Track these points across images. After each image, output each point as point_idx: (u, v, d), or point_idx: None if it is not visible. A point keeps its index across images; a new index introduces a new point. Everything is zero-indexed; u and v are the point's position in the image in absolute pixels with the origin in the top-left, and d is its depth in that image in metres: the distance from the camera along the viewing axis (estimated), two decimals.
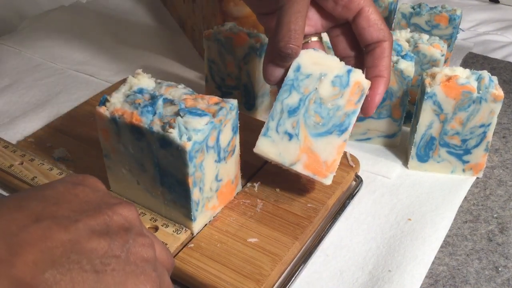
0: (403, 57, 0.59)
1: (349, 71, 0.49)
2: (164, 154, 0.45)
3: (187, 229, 0.48)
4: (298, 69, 0.48)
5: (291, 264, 0.48)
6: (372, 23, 0.49)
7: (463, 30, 0.93)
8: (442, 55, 0.62)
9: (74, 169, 0.56)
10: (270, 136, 0.49)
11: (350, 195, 0.55)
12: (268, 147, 0.49)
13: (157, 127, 0.44)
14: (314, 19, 0.51)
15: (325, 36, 0.55)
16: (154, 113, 0.45)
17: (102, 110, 0.47)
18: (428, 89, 0.55)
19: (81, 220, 0.30)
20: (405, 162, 0.61)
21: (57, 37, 0.87)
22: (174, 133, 0.43)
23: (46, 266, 0.27)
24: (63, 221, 0.30)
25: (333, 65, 0.49)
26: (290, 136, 0.49)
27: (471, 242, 0.52)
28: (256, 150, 0.49)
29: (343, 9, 0.49)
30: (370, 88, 0.50)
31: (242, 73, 0.64)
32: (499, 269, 0.50)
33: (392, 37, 0.50)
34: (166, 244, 0.47)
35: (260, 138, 0.49)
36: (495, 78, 0.56)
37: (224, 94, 0.67)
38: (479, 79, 0.55)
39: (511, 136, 0.67)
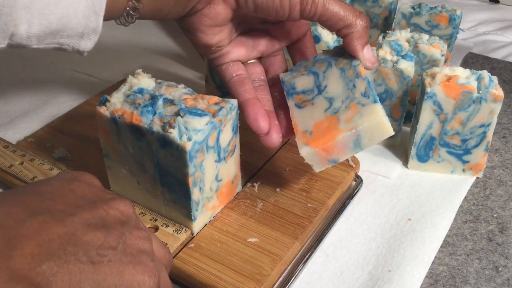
0: (403, 57, 0.59)
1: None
2: (164, 154, 0.45)
3: (187, 229, 0.48)
4: None
5: (291, 264, 0.48)
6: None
7: (463, 30, 0.93)
8: (442, 55, 0.62)
9: (74, 169, 0.56)
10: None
11: (350, 195, 0.55)
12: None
13: (157, 127, 0.44)
14: (262, 44, 0.54)
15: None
16: (154, 113, 0.45)
17: (102, 110, 0.47)
18: (428, 89, 0.55)
19: (76, 214, 0.31)
20: (405, 162, 0.61)
21: None
22: (174, 133, 0.43)
23: (43, 258, 0.28)
24: (59, 215, 0.30)
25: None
26: None
27: (471, 242, 0.52)
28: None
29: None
30: None
31: None
32: (499, 269, 0.50)
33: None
34: (166, 244, 0.47)
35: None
36: (495, 78, 0.56)
37: (224, 94, 0.66)
38: (479, 79, 0.55)
39: (511, 136, 0.67)
